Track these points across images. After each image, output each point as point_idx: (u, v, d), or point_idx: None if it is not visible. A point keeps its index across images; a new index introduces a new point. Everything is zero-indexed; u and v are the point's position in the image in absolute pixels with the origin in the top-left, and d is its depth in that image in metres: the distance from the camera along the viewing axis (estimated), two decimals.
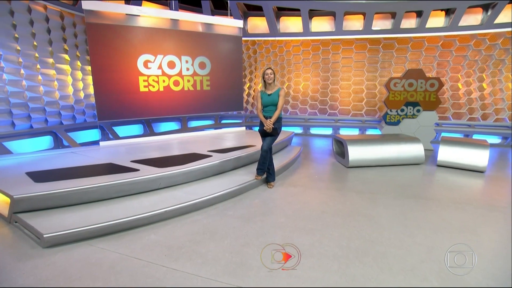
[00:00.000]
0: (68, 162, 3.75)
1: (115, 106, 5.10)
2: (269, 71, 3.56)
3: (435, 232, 2.73)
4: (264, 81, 3.60)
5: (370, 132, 7.77)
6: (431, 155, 5.89)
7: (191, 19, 5.69)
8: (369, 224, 2.89)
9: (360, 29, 7.41)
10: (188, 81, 5.87)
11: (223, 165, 3.85)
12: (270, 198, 3.53)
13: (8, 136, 4.82)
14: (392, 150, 5.06)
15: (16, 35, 4.89)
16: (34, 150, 5.03)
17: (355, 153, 4.90)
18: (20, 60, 4.97)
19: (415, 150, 5.12)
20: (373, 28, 7.26)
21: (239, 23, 6.31)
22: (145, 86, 5.35)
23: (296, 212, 3.15)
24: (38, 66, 5.25)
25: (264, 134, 3.71)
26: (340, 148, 5.51)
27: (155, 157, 3.99)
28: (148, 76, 5.39)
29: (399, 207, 3.30)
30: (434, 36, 7.03)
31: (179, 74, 5.76)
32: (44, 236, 2.33)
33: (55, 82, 5.56)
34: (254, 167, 4.30)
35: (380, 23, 7.33)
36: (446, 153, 5.00)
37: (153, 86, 5.45)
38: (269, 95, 3.60)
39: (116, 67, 5.05)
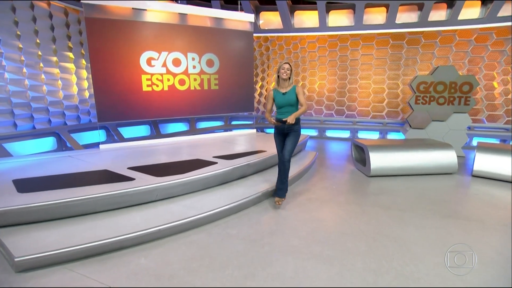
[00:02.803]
0: (61, 168, 3.46)
1: (116, 106, 4.80)
2: (286, 65, 3.08)
3: (485, 266, 2.20)
4: (278, 76, 3.13)
5: (392, 135, 7.15)
6: (462, 163, 5.24)
7: (198, 13, 5.31)
8: (400, 252, 2.39)
9: (382, 23, 6.80)
10: (195, 79, 5.51)
11: (228, 174, 3.45)
12: (281, 214, 3.09)
13: (9, 138, 4.63)
14: (420, 158, 4.49)
15: (18, 33, 4.69)
16: (35, 152, 4.82)
17: (378, 160, 4.37)
18: (23, 58, 4.77)
19: (447, 157, 4.52)
20: (397, 21, 6.63)
21: (250, 17, 5.88)
22: (148, 85, 5.02)
23: (311, 232, 2.70)
24: (41, 64, 5.04)
25: (280, 134, 3.20)
26: (360, 154, 4.98)
27: (155, 164, 3.64)
28: (152, 74, 5.06)
29: (435, 230, 2.77)
30: (467, 29, 6.32)
31: (185, 72, 5.40)
32: (16, 260, 2.00)
33: (59, 81, 5.35)
34: (263, 175, 3.88)
35: (405, 16, 6.69)
36: (483, 162, 4.37)
37: (157, 85, 5.12)
38: (283, 94, 3.12)
39: (117, 65, 4.75)
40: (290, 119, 2.98)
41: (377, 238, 2.62)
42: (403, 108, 7.10)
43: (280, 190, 3.21)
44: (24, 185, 2.81)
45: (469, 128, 6.25)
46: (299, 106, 3.18)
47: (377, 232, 2.71)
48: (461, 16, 6.16)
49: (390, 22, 6.65)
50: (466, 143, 5.93)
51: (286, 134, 3.19)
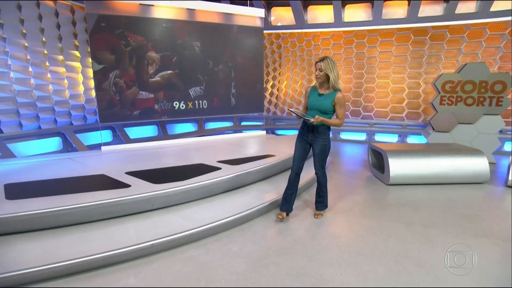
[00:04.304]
0: (58, 171, 3.31)
1: (119, 106, 4.62)
2: (318, 65, 2.52)
3: None
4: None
5: (412, 139, 6.66)
6: (493, 170, 4.73)
7: (205, 8, 5.06)
8: (426, 279, 2.04)
9: (403, 17, 6.32)
10: (202, 78, 5.27)
11: (232, 181, 3.17)
12: (289, 228, 2.78)
13: (14, 138, 4.57)
14: (446, 165, 4.05)
15: (24, 31, 4.61)
16: (39, 153, 4.75)
17: (398, 167, 3.97)
18: (28, 57, 4.69)
19: (477, 164, 4.06)
20: (420, 15, 6.14)
21: (260, 12, 5.58)
22: (153, 84, 4.82)
23: (322, 251, 2.38)
24: (47, 63, 4.96)
25: (303, 141, 2.76)
26: (377, 159, 4.58)
27: (155, 168, 3.43)
28: (157, 72, 4.86)
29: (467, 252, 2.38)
30: (499, 22, 5.74)
31: (192, 70, 5.17)
32: None
33: (65, 81, 5.26)
34: (271, 183, 3.58)
35: (429, 9, 6.18)
36: None
37: (162, 84, 4.91)
38: (320, 95, 2.63)
39: (120, 62, 4.57)
40: (316, 119, 2.51)
41: (398, 260, 2.27)
42: (425, 109, 6.60)
43: (319, 204, 2.95)
44: (15, 191, 2.66)
45: (501, 131, 5.68)
46: (333, 117, 2.70)
47: (398, 253, 2.36)
48: (493, 7, 5.59)
49: (412, 15, 6.17)
50: (497, 148, 5.38)
51: (310, 144, 2.77)
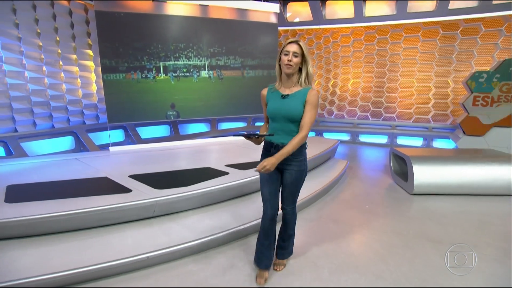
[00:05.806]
0: (63, 173, 3.24)
1: (128, 106, 4.55)
2: (293, 47, 1.69)
3: None
4: (280, 66, 1.78)
5: (438, 142, 6.15)
6: None
7: (215, 4, 4.87)
8: None
9: (431, 9, 5.82)
10: (213, 77, 5.10)
11: (238, 188, 2.95)
12: (298, 242, 2.52)
13: (28, 137, 4.62)
14: (478, 173, 3.61)
15: (39, 30, 4.65)
16: (50, 152, 4.78)
17: (423, 175, 3.59)
18: (42, 56, 4.73)
19: None
20: (451, 7, 5.62)
21: (275, 7, 5.32)
22: (163, 83, 4.71)
23: (336, 272, 2.11)
24: (61, 62, 4.99)
25: (272, 173, 1.83)
26: (400, 165, 4.20)
27: (159, 172, 3.28)
28: (167, 71, 4.74)
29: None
30: None
31: (203, 69, 5.01)
32: None
33: (78, 80, 5.28)
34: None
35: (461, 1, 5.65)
36: None
37: (173, 83, 4.79)
38: (283, 97, 1.80)
39: (129, 60, 4.48)
40: (270, 164, 1.67)
41: None
42: (454, 111, 6.07)
43: (281, 249, 2.10)
44: (16, 193, 2.59)
45: None
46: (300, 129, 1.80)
47: (425, 279, 2.05)
48: None
49: (441, 8, 5.67)
50: None
51: (281, 171, 1.89)
